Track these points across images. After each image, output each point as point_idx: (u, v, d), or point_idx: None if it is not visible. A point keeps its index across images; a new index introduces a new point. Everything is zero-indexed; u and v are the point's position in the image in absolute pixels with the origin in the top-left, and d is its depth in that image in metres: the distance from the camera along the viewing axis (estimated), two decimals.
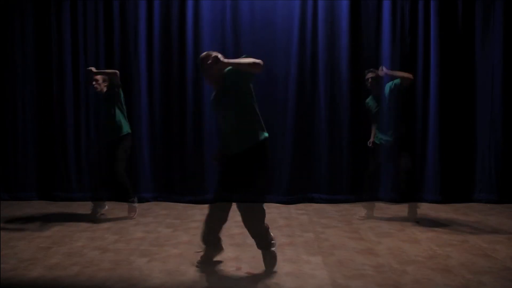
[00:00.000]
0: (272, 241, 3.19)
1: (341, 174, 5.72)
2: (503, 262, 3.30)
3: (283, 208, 5.39)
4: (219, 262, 3.31)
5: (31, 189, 5.93)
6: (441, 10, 5.60)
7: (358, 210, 5.03)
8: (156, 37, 5.80)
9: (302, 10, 5.70)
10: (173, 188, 5.79)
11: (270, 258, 3.15)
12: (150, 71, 5.83)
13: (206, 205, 5.34)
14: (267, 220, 3.18)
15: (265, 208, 3.12)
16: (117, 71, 4.64)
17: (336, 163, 5.72)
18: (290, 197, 5.66)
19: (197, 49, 5.62)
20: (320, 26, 5.70)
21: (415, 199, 4.77)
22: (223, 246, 3.33)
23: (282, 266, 3.20)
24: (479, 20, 5.66)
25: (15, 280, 2.99)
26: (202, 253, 3.28)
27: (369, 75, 4.71)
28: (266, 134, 3.10)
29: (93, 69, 4.58)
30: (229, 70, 3.01)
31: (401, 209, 5.01)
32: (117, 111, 4.71)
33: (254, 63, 2.85)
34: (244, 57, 2.92)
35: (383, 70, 4.60)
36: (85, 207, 5.28)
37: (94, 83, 4.67)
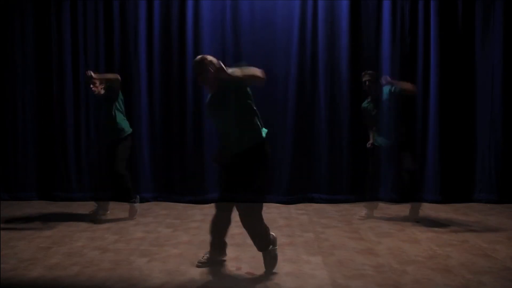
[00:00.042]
0: (273, 242, 3.19)
1: (341, 174, 5.72)
2: (503, 262, 3.30)
3: (283, 208, 5.39)
4: (220, 262, 3.31)
5: (31, 189, 5.93)
6: (441, 10, 5.60)
7: (358, 210, 5.03)
8: (156, 37, 5.80)
9: (302, 10, 5.70)
10: (173, 188, 5.79)
11: (270, 258, 3.15)
12: (150, 71, 5.83)
13: (206, 205, 5.42)
14: (267, 220, 3.18)
15: (264, 208, 3.13)
16: (118, 77, 4.64)
17: (336, 163, 5.72)
18: (290, 197, 5.66)
19: (197, 49, 5.62)
20: (320, 26, 5.70)
21: (416, 199, 4.77)
22: (226, 251, 3.34)
23: (282, 266, 3.20)
24: (479, 20, 5.65)
25: (15, 280, 2.99)
26: (206, 255, 3.28)
27: (366, 77, 4.68)
28: (265, 132, 3.12)
29: (93, 74, 4.56)
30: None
31: (401, 209, 5.01)
32: (116, 112, 4.72)
33: (256, 76, 2.87)
34: (245, 66, 2.92)
35: (386, 80, 4.57)
36: (85, 207, 5.29)
37: (91, 85, 4.69)
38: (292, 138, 5.72)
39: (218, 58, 5.53)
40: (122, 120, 4.77)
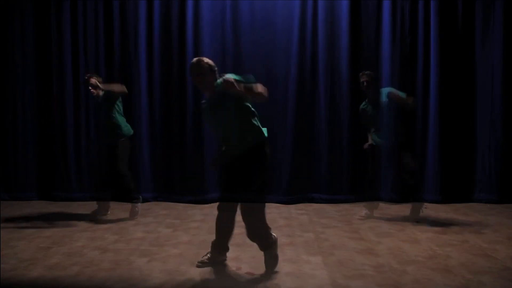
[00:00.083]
0: (274, 242, 3.20)
1: (341, 174, 5.72)
2: (503, 262, 3.30)
3: (283, 208, 5.39)
4: (220, 262, 3.31)
5: (31, 189, 5.94)
6: (441, 10, 5.60)
7: (358, 210, 5.03)
8: (156, 37, 5.80)
9: (302, 10, 5.70)
10: (173, 188, 5.79)
11: (270, 258, 3.16)
12: (150, 71, 5.83)
13: (206, 205, 5.42)
14: (267, 220, 3.18)
15: (265, 208, 3.13)
16: (125, 90, 4.66)
17: (336, 163, 5.72)
18: (290, 197, 5.66)
19: (197, 49, 5.63)
20: (320, 26, 5.70)
21: (417, 199, 4.77)
22: (227, 255, 3.34)
23: (282, 266, 3.20)
24: (479, 20, 5.65)
25: (15, 280, 2.99)
26: (206, 255, 3.29)
27: (364, 78, 4.67)
28: (265, 132, 3.13)
29: (99, 84, 4.56)
30: (221, 80, 3.03)
31: (401, 209, 5.01)
32: (115, 113, 4.72)
33: (262, 96, 2.88)
34: (253, 81, 2.94)
35: (392, 95, 4.53)
36: (85, 207, 5.29)
37: (90, 88, 4.70)
38: (292, 138, 5.72)
39: (218, 58, 5.62)
40: (121, 121, 4.78)
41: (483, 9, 5.63)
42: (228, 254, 3.34)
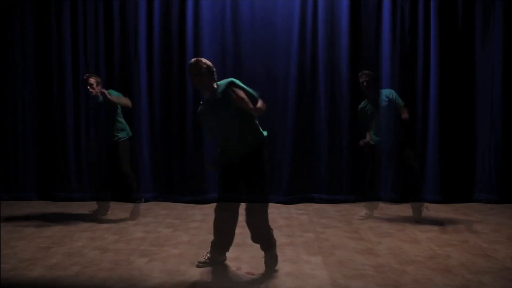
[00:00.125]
0: (275, 242, 3.21)
1: (341, 174, 5.72)
2: (503, 262, 3.29)
3: (283, 208, 5.39)
4: (220, 262, 3.31)
5: (31, 189, 5.93)
6: (441, 10, 5.60)
7: (358, 210, 5.03)
8: (156, 37, 5.80)
9: (302, 10, 5.70)
10: (173, 188, 5.79)
11: (270, 259, 3.16)
12: (150, 71, 5.83)
13: (206, 205, 5.42)
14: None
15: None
16: (130, 105, 4.70)
17: (336, 163, 5.72)
18: (290, 197, 5.66)
19: (197, 49, 5.63)
20: (320, 26, 5.70)
21: (417, 199, 4.77)
22: (227, 255, 3.34)
23: (282, 266, 3.20)
24: (479, 20, 5.65)
25: (15, 280, 2.99)
26: (206, 255, 3.29)
27: (363, 78, 4.66)
28: (265, 133, 3.14)
29: (106, 93, 4.53)
30: (226, 81, 3.04)
31: (401, 209, 5.01)
32: (115, 114, 4.72)
33: (262, 111, 2.98)
34: (257, 95, 3.04)
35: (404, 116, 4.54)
36: (85, 207, 5.29)
37: (88, 87, 4.70)
38: (292, 138, 5.72)
39: (218, 58, 5.62)
40: (121, 122, 4.79)
41: (483, 9, 5.63)
42: (228, 254, 3.34)
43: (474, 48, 5.68)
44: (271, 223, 3.24)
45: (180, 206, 5.52)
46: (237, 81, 3.07)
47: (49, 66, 5.91)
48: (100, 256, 3.49)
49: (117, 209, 5.14)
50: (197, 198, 5.63)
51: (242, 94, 2.93)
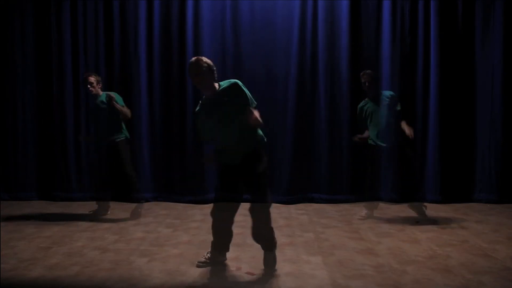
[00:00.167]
0: (276, 243, 3.22)
1: (341, 174, 5.72)
2: (503, 262, 3.30)
3: (283, 208, 5.39)
4: (220, 262, 3.31)
5: (31, 189, 5.93)
6: (441, 10, 5.59)
7: (358, 210, 5.03)
8: (156, 37, 5.80)
9: (302, 10, 5.70)
10: (173, 188, 5.79)
11: (270, 259, 3.17)
12: (150, 71, 5.83)
13: (206, 205, 5.41)
14: None
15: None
16: (129, 116, 4.74)
17: (336, 163, 5.72)
18: (290, 197, 5.66)
19: (197, 49, 5.63)
20: (320, 26, 5.70)
21: (417, 199, 4.77)
22: (227, 255, 3.34)
23: (282, 266, 3.20)
24: (479, 20, 5.65)
25: (15, 280, 2.99)
26: (206, 255, 3.29)
27: (365, 78, 4.66)
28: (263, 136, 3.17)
29: (112, 98, 4.55)
30: (228, 82, 3.06)
31: (401, 209, 5.01)
32: (114, 114, 4.72)
33: (260, 124, 2.93)
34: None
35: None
36: (85, 207, 5.29)
37: (89, 86, 4.70)
38: (292, 138, 5.72)
39: (218, 58, 5.62)
40: (118, 123, 4.78)
41: (483, 9, 5.63)
42: (228, 254, 3.34)
43: (474, 48, 5.68)
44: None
45: (180, 206, 5.52)
46: (241, 84, 3.06)
47: (49, 66, 5.91)
48: (100, 256, 3.49)
49: (117, 209, 5.14)
50: (197, 198, 5.63)
51: (257, 114, 2.91)
